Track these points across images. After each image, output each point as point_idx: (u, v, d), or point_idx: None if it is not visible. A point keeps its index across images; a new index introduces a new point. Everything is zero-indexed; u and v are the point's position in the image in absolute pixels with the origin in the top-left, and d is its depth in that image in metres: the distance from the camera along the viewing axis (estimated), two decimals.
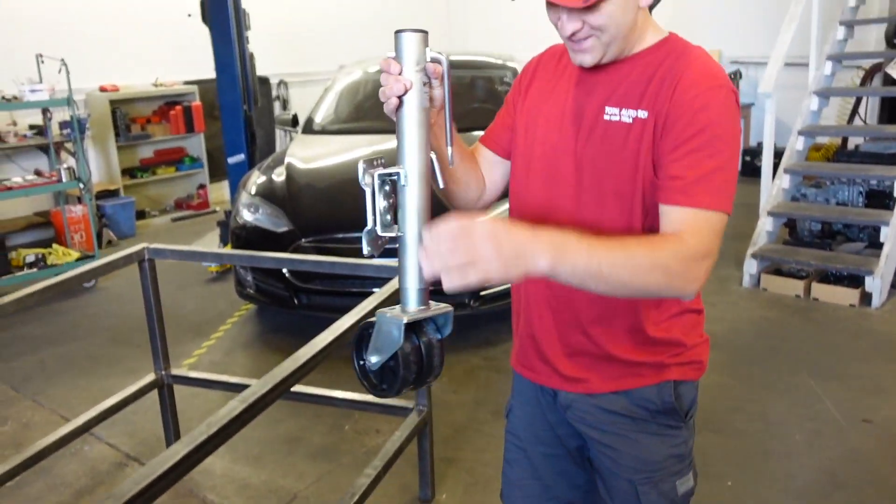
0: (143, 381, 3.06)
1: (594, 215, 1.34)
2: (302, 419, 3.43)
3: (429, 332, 1.18)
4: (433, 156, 1.19)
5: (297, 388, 2.92)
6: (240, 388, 2.97)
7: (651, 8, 1.31)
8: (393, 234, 1.18)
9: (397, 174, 1.16)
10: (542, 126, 1.40)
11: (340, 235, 4.14)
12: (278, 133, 7.89)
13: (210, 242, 6.40)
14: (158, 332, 3.05)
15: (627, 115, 1.29)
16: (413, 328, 1.16)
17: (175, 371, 3.11)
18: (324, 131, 5.46)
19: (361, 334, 1.21)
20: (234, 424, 1.66)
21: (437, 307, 1.17)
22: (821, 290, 4.72)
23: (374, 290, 2.44)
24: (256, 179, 4.65)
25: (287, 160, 4.74)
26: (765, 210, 5.20)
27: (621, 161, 1.30)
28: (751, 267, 4.98)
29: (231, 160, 6.26)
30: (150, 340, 3.08)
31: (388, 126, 4.70)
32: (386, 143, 5.02)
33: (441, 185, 1.24)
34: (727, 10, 8.50)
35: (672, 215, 1.24)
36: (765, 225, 5.14)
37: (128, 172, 7.21)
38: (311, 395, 2.90)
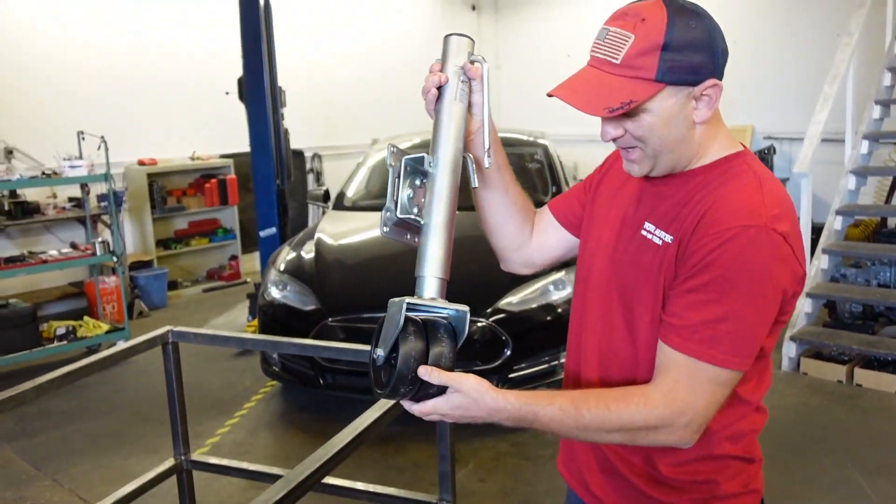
0: (163, 466, 2.99)
1: (612, 331, 1.31)
2: None
3: (442, 335, 1.14)
4: (469, 158, 1.23)
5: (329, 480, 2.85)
6: (259, 475, 2.89)
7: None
8: (412, 217, 1.17)
9: (424, 158, 1.17)
10: (598, 224, 1.39)
11: (368, 315, 4.10)
12: (311, 206, 7.98)
13: (239, 314, 6.42)
14: (179, 415, 3.00)
15: (660, 236, 1.23)
16: (426, 328, 1.13)
17: (195, 456, 3.05)
18: (355, 207, 5.49)
19: (380, 325, 1.16)
20: None
21: (453, 305, 1.15)
22: (865, 376, 4.54)
23: None
24: (286, 256, 4.66)
25: (317, 236, 4.75)
26: (803, 291, 5.06)
27: (645, 282, 1.24)
28: (790, 350, 4.82)
29: (262, 234, 6.31)
30: (170, 424, 3.03)
31: None
32: None
33: (475, 185, 1.27)
34: (760, 85, 8.51)
35: (663, 354, 1.18)
36: (804, 306, 4.99)
37: (162, 243, 7.30)
38: (333, 486, 2.81)
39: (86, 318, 5.60)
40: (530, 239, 1.50)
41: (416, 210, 1.17)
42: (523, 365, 4.08)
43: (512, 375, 4.03)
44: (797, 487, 3.43)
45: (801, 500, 3.30)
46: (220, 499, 3.44)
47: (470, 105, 1.25)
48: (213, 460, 3.02)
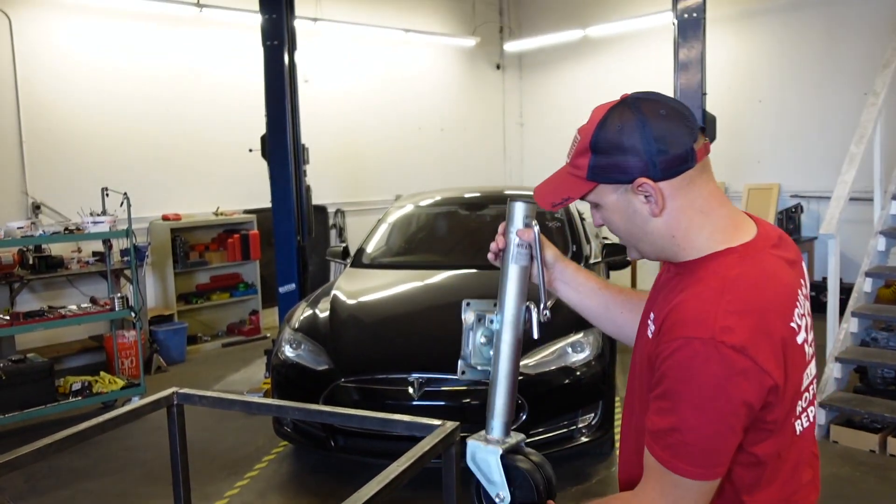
0: None
1: (631, 414, 1.38)
2: None
3: (526, 454, 1.40)
4: (533, 309, 1.38)
5: None
6: None
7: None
8: (485, 368, 1.43)
9: (493, 317, 1.39)
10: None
11: (382, 376, 4.02)
12: (333, 264, 7.98)
13: (257, 371, 6.37)
14: (182, 480, 2.93)
15: (651, 329, 1.28)
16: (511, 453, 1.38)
17: None
18: (373, 264, 5.46)
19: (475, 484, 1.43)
20: None
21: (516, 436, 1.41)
22: None
23: (417, 433, 2.31)
24: (301, 314, 4.62)
25: (333, 293, 4.72)
26: (832, 356, 4.90)
27: (642, 370, 1.29)
28: (819, 417, 4.64)
29: (282, 290, 6.30)
30: (173, 490, 2.96)
31: (440, 261, 4.69)
32: (435, 277, 4.99)
33: (536, 336, 1.39)
34: (787, 143, 8.44)
35: (646, 453, 1.22)
36: (833, 371, 4.82)
37: (183, 298, 7.33)
38: None
39: (102, 373, 5.58)
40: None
41: (486, 357, 1.43)
42: (541, 429, 3.96)
43: (529, 440, 3.90)
44: None
45: None
46: None
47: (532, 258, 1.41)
48: None
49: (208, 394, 2.87)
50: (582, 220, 5.85)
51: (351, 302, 4.67)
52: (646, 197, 1.22)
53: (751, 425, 1.16)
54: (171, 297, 7.14)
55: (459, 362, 1.46)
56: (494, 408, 1.42)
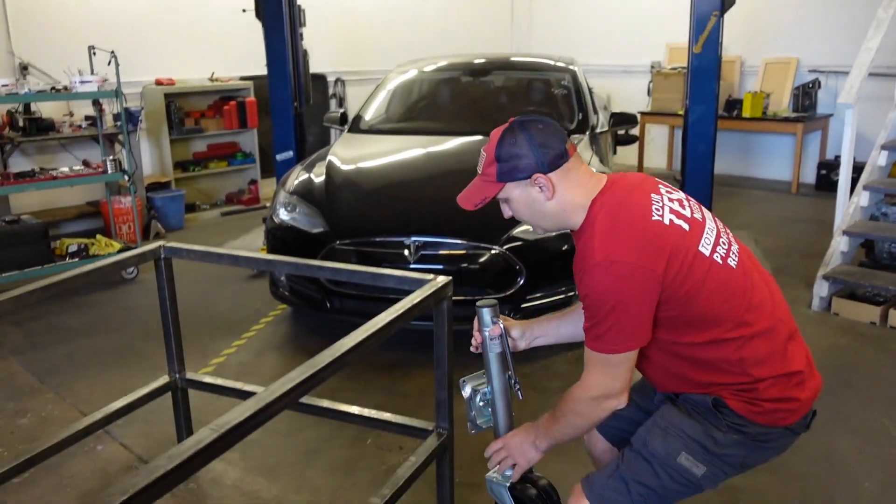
0: (157, 383, 2.91)
1: None
2: (323, 429, 3.24)
3: (534, 480, 1.92)
4: (513, 378, 1.95)
5: (313, 400, 2.74)
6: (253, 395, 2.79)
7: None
8: (487, 424, 2.01)
9: (486, 389, 1.97)
10: None
11: (378, 239, 3.95)
12: (333, 132, 7.79)
13: (256, 238, 6.31)
14: (174, 333, 2.91)
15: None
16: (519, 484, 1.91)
17: (190, 375, 2.96)
18: (371, 130, 5.29)
19: None
20: (241, 429, 1.54)
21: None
22: None
23: (408, 288, 2.26)
24: (296, 177, 4.50)
25: (328, 158, 4.58)
26: (840, 229, 4.79)
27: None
28: (821, 289, 4.60)
29: (279, 157, 6.15)
30: (164, 342, 2.94)
31: (442, 128, 4.53)
32: (436, 143, 4.83)
33: (521, 398, 1.97)
34: (806, 16, 8.03)
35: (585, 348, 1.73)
36: (839, 245, 4.73)
37: (180, 165, 7.19)
38: (327, 409, 2.70)
39: (98, 236, 5.53)
40: None
41: (486, 415, 1.99)
42: (538, 294, 3.91)
43: (525, 305, 3.87)
44: (821, 429, 3.24)
45: (825, 444, 3.13)
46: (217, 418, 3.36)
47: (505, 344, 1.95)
48: (208, 379, 2.93)
49: (195, 247, 2.80)
50: (590, 90, 5.62)
51: (347, 166, 4.53)
52: (540, 187, 1.69)
53: (666, 296, 1.63)
54: (167, 164, 7.01)
55: (468, 424, 2.01)
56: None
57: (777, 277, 5.28)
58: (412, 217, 4.05)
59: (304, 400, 2.73)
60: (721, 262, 1.69)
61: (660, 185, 1.77)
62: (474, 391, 1.95)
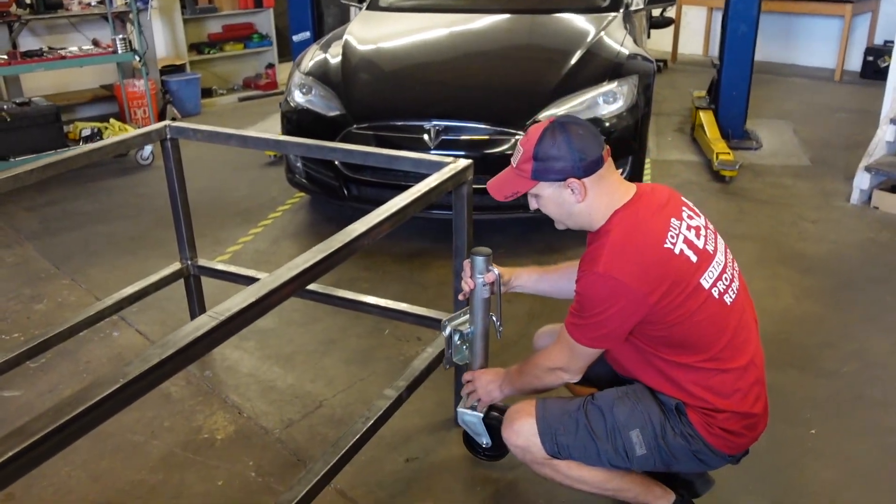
0: (168, 269, 2.84)
1: None
2: (340, 319, 3.18)
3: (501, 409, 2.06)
4: (493, 320, 2.06)
5: (329, 290, 2.66)
6: None
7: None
8: (465, 362, 2.15)
9: (469, 332, 2.09)
10: None
11: (397, 123, 3.76)
12: (352, 10, 7.44)
13: (274, 123, 6.11)
14: (184, 219, 2.80)
15: None
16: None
17: (202, 262, 2.88)
18: (391, 8, 4.99)
19: (467, 437, 2.25)
20: (242, 317, 1.43)
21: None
22: None
23: (425, 171, 2.13)
24: (311, 58, 4.28)
25: (345, 37, 4.33)
26: (888, 117, 4.51)
27: None
28: (862, 181, 4.37)
29: (296, 38, 5.90)
30: (174, 228, 2.84)
31: (466, 5, 4.19)
32: (461, 22, 4.56)
33: (500, 337, 2.13)
34: None
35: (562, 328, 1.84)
36: (885, 134, 4.47)
37: (195, 48, 6.95)
38: (343, 299, 2.62)
39: (112, 120, 5.39)
40: None
41: (462, 353, 2.12)
42: None
43: None
44: (854, 326, 3.13)
45: (858, 341, 3.02)
46: None
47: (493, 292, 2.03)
48: (220, 266, 2.84)
49: (202, 127, 2.65)
50: None
51: (365, 46, 4.29)
52: (572, 190, 1.72)
53: (652, 319, 1.69)
54: (181, 45, 6.77)
55: (444, 360, 2.15)
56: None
57: (815, 169, 5.06)
58: (433, 100, 3.85)
59: (320, 289, 2.66)
60: (717, 296, 1.73)
61: (683, 208, 1.80)
62: (454, 331, 2.06)
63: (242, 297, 1.45)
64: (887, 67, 7.33)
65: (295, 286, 1.56)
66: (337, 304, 2.65)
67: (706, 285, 1.71)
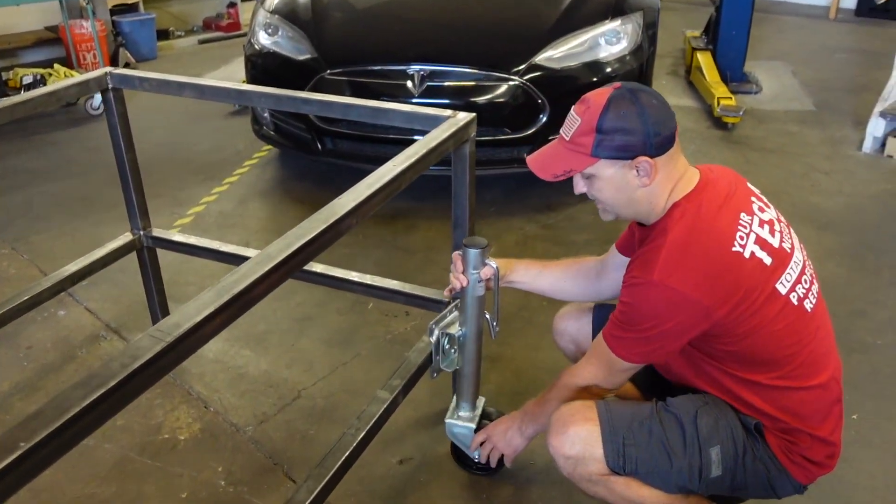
0: (118, 242, 2.46)
1: None
2: (318, 292, 2.82)
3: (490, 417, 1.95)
4: (489, 319, 1.79)
5: (311, 266, 2.30)
6: (230, 257, 2.35)
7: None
8: (453, 368, 1.86)
9: (460, 334, 1.80)
10: None
11: (376, 68, 3.36)
12: None
13: (238, 69, 5.63)
14: (133, 183, 2.42)
15: None
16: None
17: (157, 231, 2.50)
18: None
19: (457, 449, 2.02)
20: (196, 335, 1.09)
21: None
22: None
23: (415, 137, 1.77)
24: None
25: None
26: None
27: None
28: (876, 128, 4.07)
29: None
30: (122, 193, 2.46)
31: None
32: None
33: (494, 336, 1.84)
34: None
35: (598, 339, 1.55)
36: None
37: None
38: (319, 274, 2.27)
39: (56, 66, 4.89)
40: (600, 281, 1.78)
41: (450, 358, 1.83)
42: None
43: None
44: (886, 292, 2.86)
45: (891, 307, 2.75)
46: (197, 279, 2.95)
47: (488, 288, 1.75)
48: (178, 237, 2.46)
49: (151, 75, 2.24)
50: None
51: None
52: (638, 171, 1.41)
53: (717, 331, 1.40)
54: None
55: (430, 369, 1.85)
56: (464, 394, 1.90)
57: (821, 115, 4.75)
58: (416, 41, 3.44)
59: None
60: (797, 302, 1.44)
61: (752, 199, 1.51)
62: (442, 334, 1.78)
63: (196, 308, 1.10)
64: (883, 5, 7.02)
65: (265, 287, 1.21)
66: (312, 280, 2.30)
67: (783, 291, 1.42)
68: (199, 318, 1.09)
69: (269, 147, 4.14)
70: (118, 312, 2.77)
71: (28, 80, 4.57)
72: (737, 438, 1.46)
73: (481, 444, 1.83)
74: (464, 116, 1.85)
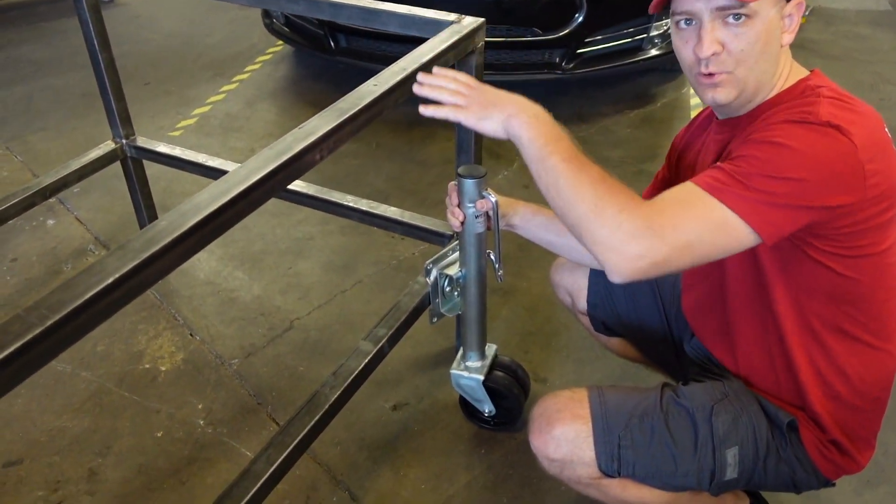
0: (98, 151, 2.25)
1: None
2: None
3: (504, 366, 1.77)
4: (492, 257, 1.51)
5: (302, 187, 2.07)
6: (215, 172, 2.13)
7: None
8: (456, 313, 1.65)
9: (459, 275, 1.57)
10: None
11: None
12: None
13: None
14: (111, 88, 2.20)
15: None
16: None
17: (141, 141, 2.28)
18: None
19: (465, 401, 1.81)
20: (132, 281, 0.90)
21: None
22: None
23: (417, 33, 1.51)
24: None
25: None
26: None
27: None
28: None
29: None
30: (101, 98, 2.24)
31: None
32: None
33: (500, 281, 1.56)
34: None
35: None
36: None
37: None
38: (314, 197, 2.04)
39: None
40: None
41: (453, 301, 1.63)
42: (599, 37, 3.03)
43: (583, 50, 3.02)
44: None
45: None
46: (197, 187, 2.74)
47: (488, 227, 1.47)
48: (162, 148, 2.24)
49: None
50: None
51: None
52: (790, 18, 1.12)
53: (846, 229, 1.06)
54: None
55: (429, 312, 1.65)
56: (469, 342, 1.67)
57: None
58: None
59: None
60: None
61: None
62: (441, 275, 1.59)
63: (149, 238, 0.90)
64: None
65: (280, 180, 1.04)
66: (302, 202, 2.07)
67: None
68: (123, 270, 0.88)
69: (283, 43, 3.84)
70: (108, 223, 2.60)
71: None
72: (759, 438, 1.21)
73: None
74: (469, 22, 1.55)
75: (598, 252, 1.01)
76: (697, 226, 1.00)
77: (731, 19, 1.06)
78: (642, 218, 0.99)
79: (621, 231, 0.98)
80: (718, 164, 1.06)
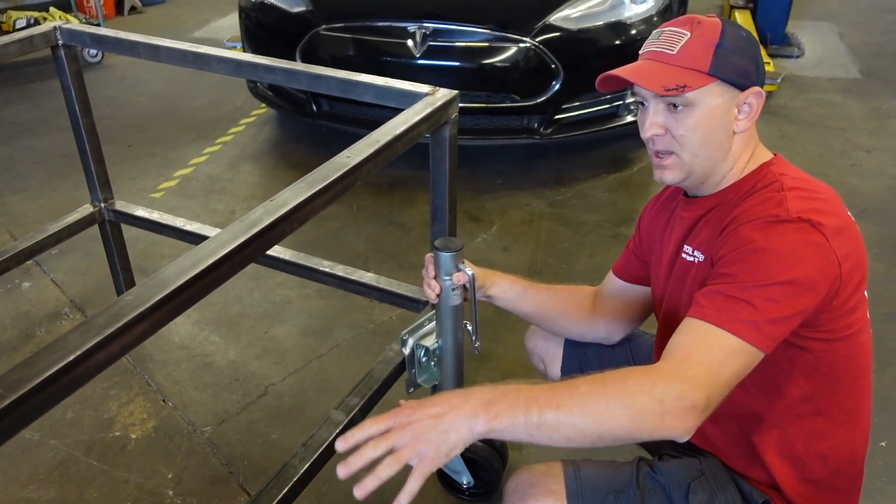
0: (76, 214, 2.25)
1: None
2: None
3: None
4: (469, 329, 1.50)
5: (279, 253, 2.08)
6: (192, 236, 2.13)
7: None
8: (433, 383, 1.59)
9: (435, 346, 1.54)
10: (655, 268, 1.36)
11: (377, 23, 3.08)
12: None
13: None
14: (91, 151, 2.22)
15: (696, 256, 1.20)
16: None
17: (120, 205, 2.28)
18: None
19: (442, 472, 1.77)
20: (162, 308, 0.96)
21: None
22: None
23: (393, 105, 1.54)
24: None
25: None
26: None
27: (685, 305, 1.16)
28: None
29: None
30: (81, 161, 2.25)
31: None
32: None
33: (477, 353, 1.53)
34: None
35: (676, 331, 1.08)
36: None
37: None
38: (289, 262, 2.04)
39: (52, 9, 4.65)
40: (593, 314, 1.51)
41: (430, 372, 1.57)
42: (576, 103, 3.10)
43: (560, 116, 3.08)
44: None
45: None
46: (175, 251, 2.75)
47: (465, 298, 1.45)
48: (140, 212, 2.25)
49: (102, 32, 2.00)
50: None
51: None
52: (747, 107, 1.16)
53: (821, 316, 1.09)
54: None
55: (406, 383, 1.58)
56: None
57: (867, 83, 4.38)
58: None
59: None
60: (867, 319, 1.19)
61: None
62: (417, 346, 1.56)
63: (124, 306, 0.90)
64: None
65: (262, 245, 1.06)
66: (278, 267, 2.08)
67: (866, 295, 1.16)
68: (124, 321, 0.89)
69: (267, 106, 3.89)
70: (85, 286, 2.59)
71: (21, 23, 4.37)
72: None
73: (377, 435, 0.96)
74: (443, 94, 1.59)
75: (663, 435, 0.97)
76: (721, 363, 1.01)
77: (673, 106, 1.14)
78: (673, 379, 0.98)
79: (666, 404, 0.95)
80: (712, 286, 1.07)
